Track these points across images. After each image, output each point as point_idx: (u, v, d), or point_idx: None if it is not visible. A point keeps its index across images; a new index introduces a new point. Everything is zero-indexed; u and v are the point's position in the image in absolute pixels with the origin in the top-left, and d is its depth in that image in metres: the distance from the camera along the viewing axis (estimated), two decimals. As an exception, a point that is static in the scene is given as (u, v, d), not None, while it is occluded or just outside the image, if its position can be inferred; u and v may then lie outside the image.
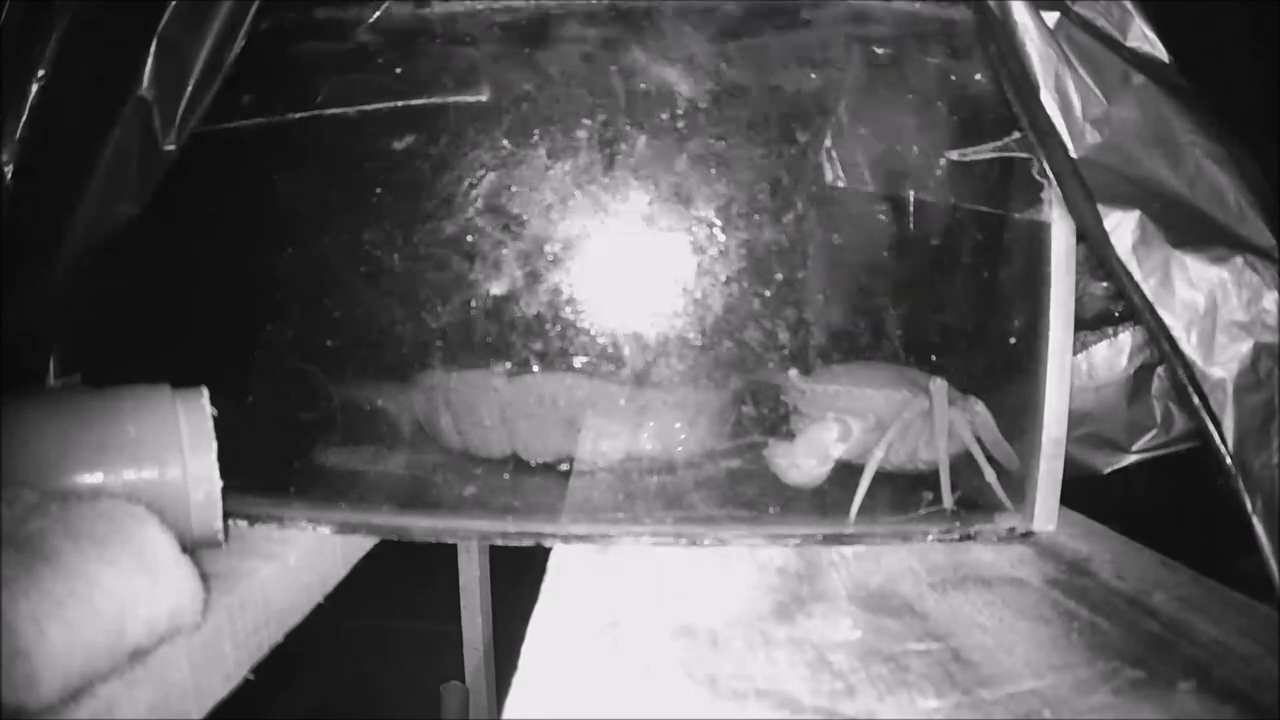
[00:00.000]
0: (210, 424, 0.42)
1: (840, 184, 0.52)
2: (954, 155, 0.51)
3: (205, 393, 0.43)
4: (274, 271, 0.55)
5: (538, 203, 0.51)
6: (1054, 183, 0.46)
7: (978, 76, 0.50)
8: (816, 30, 0.52)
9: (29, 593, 0.30)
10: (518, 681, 0.33)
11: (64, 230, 0.47)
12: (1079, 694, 0.33)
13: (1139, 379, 0.60)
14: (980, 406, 0.52)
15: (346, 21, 0.51)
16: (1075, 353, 0.58)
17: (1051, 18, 0.43)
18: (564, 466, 0.54)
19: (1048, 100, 0.43)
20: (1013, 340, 0.52)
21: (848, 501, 0.50)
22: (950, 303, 0.55)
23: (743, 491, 0.53)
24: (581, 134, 0.51)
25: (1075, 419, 0.51)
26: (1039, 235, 0.49)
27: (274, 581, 0.44)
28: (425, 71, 0.52)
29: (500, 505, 0.53)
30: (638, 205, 0.51)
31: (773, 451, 0.54)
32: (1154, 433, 0.60)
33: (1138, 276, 0.43)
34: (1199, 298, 0.42)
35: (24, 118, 0.47)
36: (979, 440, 0.51)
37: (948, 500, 0.50)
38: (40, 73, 0.47)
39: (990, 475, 0.50)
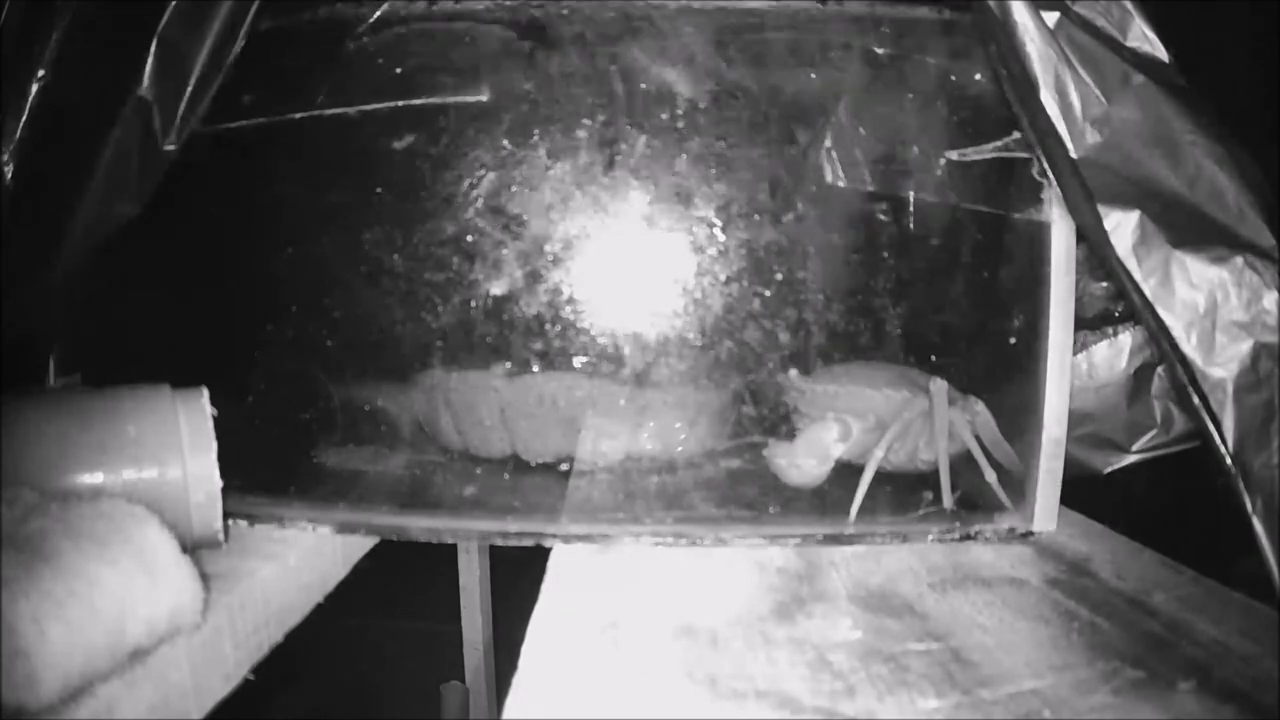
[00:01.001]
0: (210, 424, 0.42)
1: (840, 184, 0.52)
2: (954, 155, 0.51)
3: (205, 393, 0.43)
4: (274, 271, 0.55)
5: (538, 203, 0.51)
6: (1054, 183, 0.46)
7: (978, 76, 0.50)
8: (816, 30, 0.52)
9: (29, 593, 0.30)
10: (518, 681, 0.33)
11: (64, 230, 0.47)
12: (1079, 694, 0.33)
13: (1139, 379, 0.60)
14: (980, 406, 0.52)
15: (346, 21, 0.51)
16: (1075, 353, 0.58)
17: (1051, 18, 0.43)
18: (564, 466, 0.54)
19: (1048, 100, 0.43)
20: (1013, 340, 0.52)
21: (848, 501, 0.50)
22: (950, 303, 0.55)
23: (743, 491, 0.53)
24: (581, 134, 0.51)
25: (1075, 419, 0.51)
26: (1039, 235, 0.49)
27: (274, 581, 0.44)
28: (425, 71, 0.52)
29: (500, 505, 0.53)
30: (638, 205, 0.51)
31: (773, 451, 0.54)
32: (1154, 433, 0.60)
33: (1138, 276, 0.43)
34: (1199, 298, 0.42)
35: (24, 118, 0.47)
36: (979, 440, 0.51)
37: (948, 500, 0.50)
38: (40, 73, 0.47)
39: (990, 475, 0.50)
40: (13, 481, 0.37)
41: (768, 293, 0.52)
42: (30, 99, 0.47)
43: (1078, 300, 0.50)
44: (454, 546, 0.93)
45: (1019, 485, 0.50)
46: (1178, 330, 0.42)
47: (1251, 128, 0.44)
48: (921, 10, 0.51)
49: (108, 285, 0.53)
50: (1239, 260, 0.42)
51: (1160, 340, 0.43)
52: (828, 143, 0.52)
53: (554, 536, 0.48)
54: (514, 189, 0.51)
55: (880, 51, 0.51)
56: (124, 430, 0.41)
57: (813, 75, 0.52)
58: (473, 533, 0.53)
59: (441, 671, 1.01)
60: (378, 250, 0.53)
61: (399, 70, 0.52)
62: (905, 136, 0.53)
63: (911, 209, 0.53)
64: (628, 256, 0.52)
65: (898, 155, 0.53)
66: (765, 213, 0.52)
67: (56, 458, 0.40)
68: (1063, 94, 0.43)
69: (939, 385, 0.51)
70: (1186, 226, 0.42)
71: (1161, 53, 0.43)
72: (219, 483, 0.42)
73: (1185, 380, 0.42)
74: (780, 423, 0.55)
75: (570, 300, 0.51)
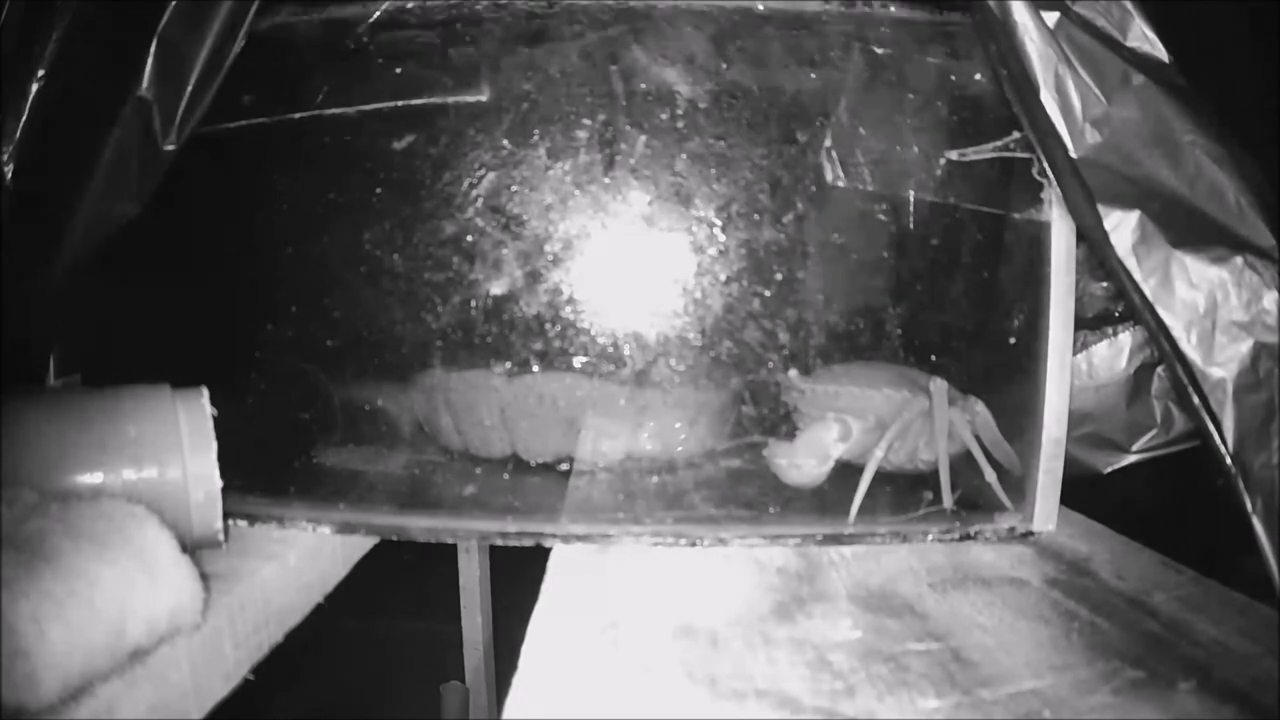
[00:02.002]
0: (210, 424, 0.42)
1: (840, 184, 0.52)
2: (954, 155, 0.51)
3: (205, 393, 0.43)
4: (274, 271, 0.55)
5: (538, 203, 0.51)
6: (1054, 183, 0.46)
7: (978, 76, 0.50)
8: (816, 30, 0.52)
9: (29, 593, 0.30)
10: (518, 681, 0.33)
11: (64, 230, 0.47)
12: (1079, 694, 0.33)
13: (1139, 379, 0.60)
14: (980, 406, 0.52)
15: (346, 21, 0.51)
16: (1075, 353, 0.58)
17: (1051, 18, 0.43)
18: (564, 466, 0.54)
19: (1048, 100, 0.43)
20: (1013, 340, 0.52)
21: (847, 502, 0.50)
22: (950, 303, 0.55)
23: (743, 491, 0.53)
24: (581, 134, 0.51)
25: (1075, 419, 0.51)
26: (1039, 235, 0.49)
27: (274, 581, 0.44)
28: (425, 71, 0.52)
29: (500, 505, 0.53)
30: (637, 205, 0.51)
31: (772, 451, 0.54)
32: (1154, 433, 0.60)
33: (1138, 276, 0.43)
34: (1199, 298, 0.42)
35: (24, 118, 0.47)
36: (979, 440, 0.51)
37: (948, 500, 0.50)
38: (40, 73, 0.47)
39: (990, 475, 0.50)
40: (13, 481, 0.37)
41: (768, 293, 0.52)
42: (30, 99, 0.47)
43: (1078, 300, 0.50)
44: (454, 546, 0.93)
45: (1019, 485, 0.50)
46: (1178, 330, 0.42)
47: (1251, 128, 0.44)
48: (921, 10, 0.51)
49: (108, 285, 0.53)
50: (1239, 260, 0.42)
51: (1160, 340, 0.43)
52: (828, 143, 0.52)
53: (554, 536, 0.48)
54: (514, 189, 0.51)
55: (880, 51, 0.51)
56: (124, 430, 0.41)
57: (813, 75, 0.52)
58: (473, 533, 0.53)
59: (441, 671, 1.01)
60: (378, 250, 0.53)
61: (399, 70, 0.52)
62: (905, 136, 0.53)
63: (911, 209, 0.53)
64: (627, 256, 0.52)
65: (898, 155, 0.53)
66: (765, 213, 0.52)
67: (56, 458, 0.40)
68: (1063, 94, 0.43)
69: (939, 385, 0.51)
70: (1186, 226, 0.42)
71: (1161, 53, 0.43)
72: (219, 483, 0.42)
73: (1185, 380, 0.42)
74: (780, 422, 0.55)
75: (570, 300, 0.51)
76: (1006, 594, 0.42)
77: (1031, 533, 0.50)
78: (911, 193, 0.53)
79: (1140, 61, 0.43)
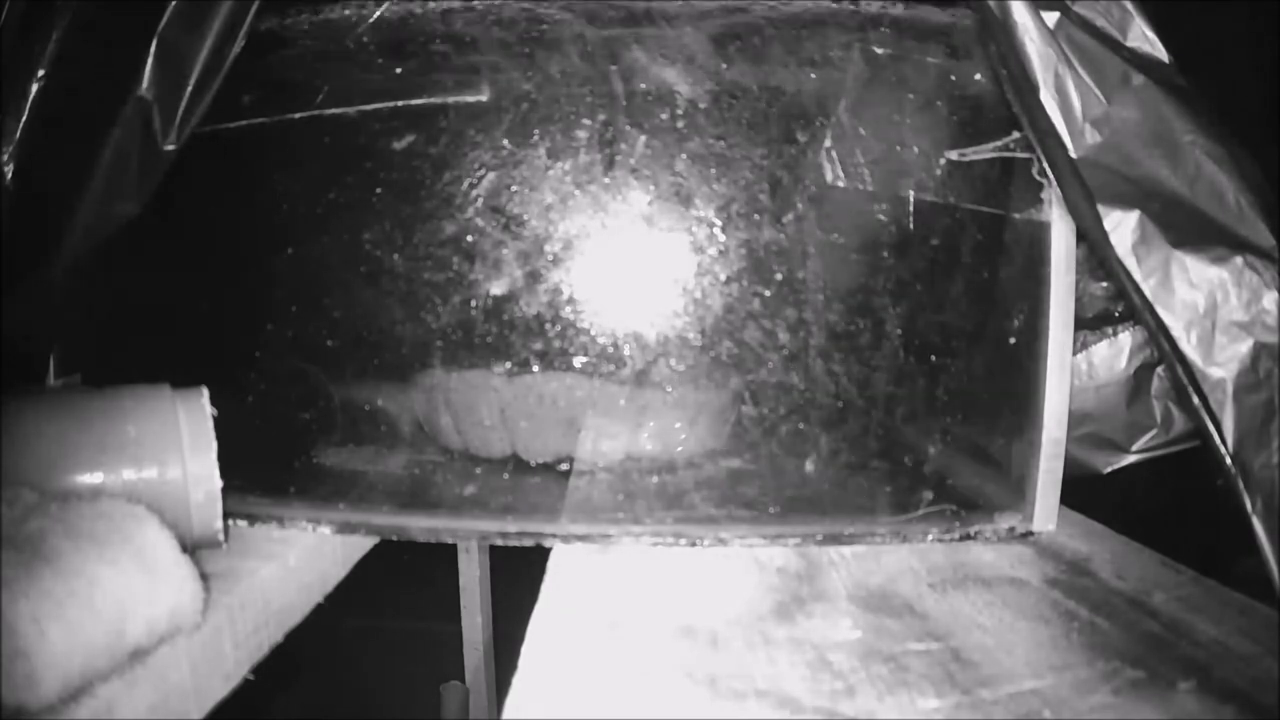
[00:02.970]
0: (210, 424, 0.42)
1: (840, 184, 0.52)
2: (954, 155, 0.51)
3: (205, 393, 0.43)
4: (274, 271, 0.55)
5: (538, 203, 0.51)
6: (1054, 183, 0.46)
7: (978, 76, 0.50)
8: (816, 30, 0.52)
9: (29, 593, 0.30)
10: (518, 681, 0.33)
11: (64, 230, 0.47)
12: (1079, 694, 0.33)
13: (1139, 379, 0.60)
14: None
15: (346, 21, 0.51)
16: (1075, 353, 0.58)
17: (1051, 18, 0.43)
18: (564, 466, 0.54)
19: (1048, 100, 0.43)
20: (1013, 340, 0.52)
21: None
22: (950, 302, 0.55)
23: (743, 491, 0.53)
24: (581, 134, 0.51)
25: (1075, 419, 0.51)
26: (1039, 235, 0.49)
27: (274, 581, 0.44)
28: (425, 71, 0.52)
29: (500, 505, 0.53)
30: (637, 205, 0.51)
31: None
32: (1154, 433, 0.60)
33: (1138, 276, 0.43)
34: (1199, 298, 0.42)
35: (24, 118, 0.47)
36: None
37: None
38: (40, 73, 0.47)
39: None
40: (13, 481, 0.37)
41: (768, 293, 0.52)
42: (30, 99, 0.47)
43: (1078, 300, 0.50)
44: (454, 546, 0.93)
45: (1019, 485, 0.50)
46: (1178, 330, 0.42)
47: (1251, 128, 0.44)
48: (921, 10, 0.51)
49: (108, 285, 0.53)
50: (1239, 260, 0.42)
51: (1160, 340, 0.43)
52: (828, 143, 0.52)
53: (554, 536, 0.48)
54: (514, 189, 0.51)
55: (880, 51, 0.51)
56: (124, 430, 0.41)
57: (813, 75, 0.52)
58: (473, 533, 0.53)
59: (441, 671, 1.01)
60: (378, 250, 0.53)
61: (399, 70, 0.52)
62: (905, 136, 0.53)
63: (911, 209, 0.53)
64: (627, 257, 0.52)
65: (897, 155, 0.53)
66: (765, 213, 0.52)
67: (56, 458, 0.40)
68: (1063, 94, 0.43)
69: None
70: (1186, 226, 0.42)
71: (1161, 53, 0.43)
72: (219, 483, 0.42)
73: (1185, 380, 0.42)
74: (780, 422, 0.55)
75: (570, 300, 0.51)
76: (1006, 594, 0.42)
77: (1031, 533, 0.50)
78: (911, 193, 0.53)
79: (1140, 61, 0.43)
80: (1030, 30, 0.42)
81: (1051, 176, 0.46)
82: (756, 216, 0.52)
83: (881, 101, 0.51)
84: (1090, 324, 0.60)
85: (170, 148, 0.46)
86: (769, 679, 0.33)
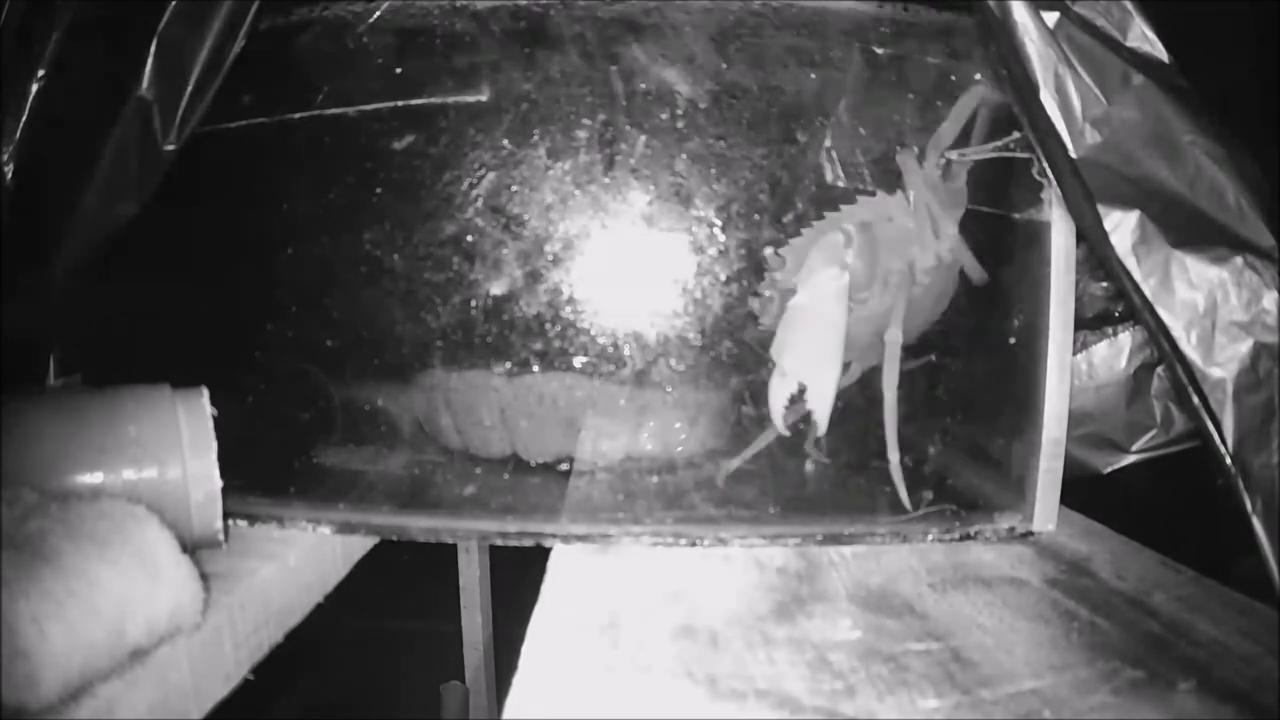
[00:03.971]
0: (210, 424, 0.42)
1: (840, 184, 0.52)
2: (954, 155, 0.51)
3: (205, 393, 0.43)
4: (274, 271, 0.55)
5: (538, 203, 0.51)
6: (1054, 183, 0.46)
7: (978, 76, 0.50)
8: (816, 30, 0.52)
9: (29, 593, 0.30)
10: (518, 681, 0.33)
11: (64, 230, 0.47)
12: (1079, 694, 0.33)
13: (1139, 379, 0.60)
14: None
15: (347, 21, 0.51)
16: (1075, 353, 0.58)
17: (1051, 18, 0.43)
18: (564, 466, 0.54)
19: (1048, 100, 0.43)
20: (1013, 340, 0.52)
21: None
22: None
23: (743, 491, 0.53)
24: (581, 134, 0.51)
25: (1075, 419, 0.51)
26: (1039, 235, 0.49)
27: (274, 581, 0.44)
28: (425, 71, 0.52)
29: (500, 505, 0.53)
30: (638, 205, 0.51)
31: (776, 270, 0.51)
32: (1154, 433, 0.60)
33: (1138, 276, 0.43)
34: (1199, 298, 0.42)
35: (24, 118, 0.47)
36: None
37: (903, 494, 0.50)
38: (40, 73, 0.47)
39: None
40: (13, 481, 0.37)
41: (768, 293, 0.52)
42: (30, 99, 0.47)
43: (1078, 300, 0.50)
44: (454, 546, 0.93)
45: (1019, 485, 0.50)
46: (1177, 330, 0.42)
47: (1251, 128, 0.44)
48: (921, 10, 0.51)
49: (108, 285, 0.53)
50: (1239, 260, 0.42)
51: (1160, 340, 0.43)
52: (828, 142, 0.52)
53: (554, 536, 0.48)
54: (514, 189, 0.51)
55: (880, 51, 0.51)
56: (124, 430, 0.41)
57: (813, 75, 0.52)
58: (473, 533, 0.53)
59: (441, 671, 1.01)
60: (378, 250, 0.53)
61: (399, 70, 0.52)
62: (905, 136, 0.53)
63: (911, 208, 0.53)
64: (628, 256, 0.52)
65: (898, 155, 0.53)
66: (765, 213, 0.52)
67: (56, 458, 0.40)
68: (1063, 94, 0.43)
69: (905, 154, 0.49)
70: (1186, 226, 0.42)
71: (1161, 53, 0.43)
72: (219, 483, 0.42)
73: (1185, 380, 0.42)
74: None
75: (570, 300, 0.51)
76: (1006, 594, 0.42)
77: (1031, 533, 0.50)
78: (911, 192, 0.53)
79: (1140, 61, 0.43)
80: (1030, 30, 0.42)
81: (1051, 176, 0.46)
82: (756, 216, 0.52)
83: (881, 101, 0.51)
84: (1090, 324, 0.60)
85: (170, 148, 0.46)
86: (769, 679, 0.33)
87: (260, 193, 0.55)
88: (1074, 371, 0.53)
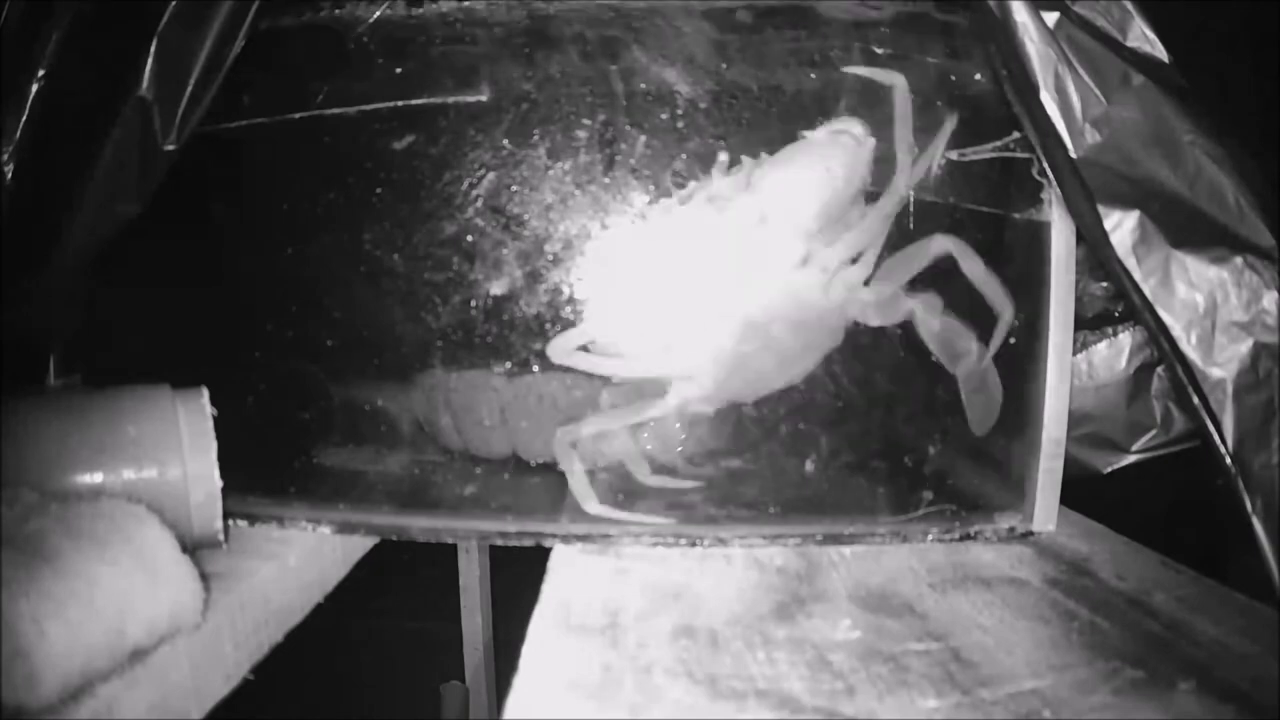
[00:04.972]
0: (210, 424, 0.42)
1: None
2: (954, 155, 0.51)
3: (205, 393, 0.43)
4: (274, 271, 0.55)
5: (538, 203, 0.51)
6: (1054, 183, 0.46)
7: (978, 76, 0.50)
8: (816, 30, 0.52)
9: (29, 593, 0.30)
10: (518, 681, 0.33)
11: (64, 230, 0.47)
12: (1079, 694, 0.33)
13: (1139, 379, 0.60)
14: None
15: (347, 21, 0.51)
16: (1075, 353, 0.58)
17: (1051, 18, 0.43)
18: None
19: (1048, 100, 0.43)
20: (1013, 340, 0.52)
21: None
22: (949, 303, 0.55)
23: (743, 491, 0.53)
24: (581, 134, 0.51)
25: (1075, 419, 0.51)
26: (1039, 235, 0.49)
27: (274, 581, 0.44)
28: (425, 71, 0.52)
29: (500, 505, 0.53)
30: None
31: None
32: (1154, 433, 0.60)
33: (1138, 276, 0.43)
34: (1199, 298, 0.42)
35: (24, 118, 0.47)
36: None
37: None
38: (40, 73, 0.47)
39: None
40: (13, 481, 0.37)
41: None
42: (30, 99, 0.47)
43: (1078, 300, 0.50)
44: (454, 546, 0.93)
45: (1019, 485, 0.50)
46: (1177, 330, 0.42)
47: (1251, 128, 0.44)
48: (921, 10, 0.51)
49: (108, 285, 0.52)
50: (1239, 260, 0.42)
51: (1160, 340, 0.43)
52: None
53: (554, 536, 0.48)
54: (514, 189, 0.51)
55: (880, 51, 0.51)
56: (124, 430, 0.41)
57: (812, 75, 0.52)
58: (473, 533, 0.53)
59: (441, 671, 1.01)
60: (378, 250, 0.53)
61: (399, 70, 0.52)
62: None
63: (911, 209, 0.53)
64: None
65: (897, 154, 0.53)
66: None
67: (56, 458, 0.40)
68: (1063, 94, 0.43)
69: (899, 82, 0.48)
70: (1186, 226, 0.42)
71: (1161, 53, 0.43)
72: (219, 483, 0.42)
73: (1185, 380, 0.42)
74: (780, 422, 0.55)
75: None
76: (1006, 594, 0.42)
77: (1031, 533, 0.50)
78: (911, 192, 0.53)
79: (1140, 61, 0.43)
80: (1030, 30, 0.42)
81: (1051, 176, 0.46)
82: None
83: (881, 101, 0.51)
84: (1090, 324, 0.60)
85: (170, 148, 0.46)
86: (769, 679, 0.33)
87: (260, 192, 0.55)
88: (1074, 371, 0.53)
